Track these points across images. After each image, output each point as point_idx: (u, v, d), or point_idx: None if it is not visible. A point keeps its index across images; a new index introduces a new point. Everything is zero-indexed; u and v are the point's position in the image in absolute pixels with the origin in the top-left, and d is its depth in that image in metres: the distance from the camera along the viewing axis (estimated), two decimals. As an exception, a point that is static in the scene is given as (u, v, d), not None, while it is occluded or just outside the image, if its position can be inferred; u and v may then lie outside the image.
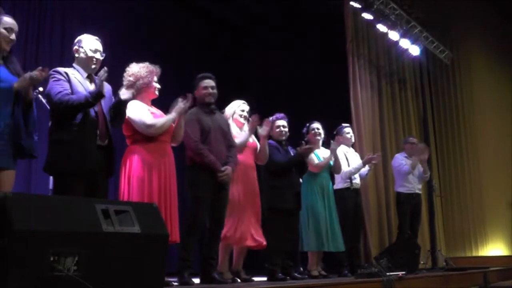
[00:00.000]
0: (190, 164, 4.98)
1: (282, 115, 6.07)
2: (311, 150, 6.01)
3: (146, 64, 4.72)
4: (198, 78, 5.19)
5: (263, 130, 5.51)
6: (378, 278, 4.89)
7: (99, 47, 4.32)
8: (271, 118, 5.92)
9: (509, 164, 11.28)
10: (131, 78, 4.51)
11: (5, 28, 3.80)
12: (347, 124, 7.24)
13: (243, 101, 5.77)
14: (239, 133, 5.57)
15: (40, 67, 3.74)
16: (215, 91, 5.16)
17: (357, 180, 6.90)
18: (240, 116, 5.66)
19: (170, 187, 4.62)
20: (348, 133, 7.03)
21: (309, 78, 10.04)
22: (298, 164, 5.94)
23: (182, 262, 4.77)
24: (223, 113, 5.54)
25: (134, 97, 4.40)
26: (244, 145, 5.48)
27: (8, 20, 3.83)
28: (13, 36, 3.86)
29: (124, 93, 4.23)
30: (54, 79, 4.03)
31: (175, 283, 4.63)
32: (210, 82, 5.14)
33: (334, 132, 6.94)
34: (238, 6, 9.71)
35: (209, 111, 5.14)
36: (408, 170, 7.59)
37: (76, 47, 4.30)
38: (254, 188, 5.55)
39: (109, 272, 2.83)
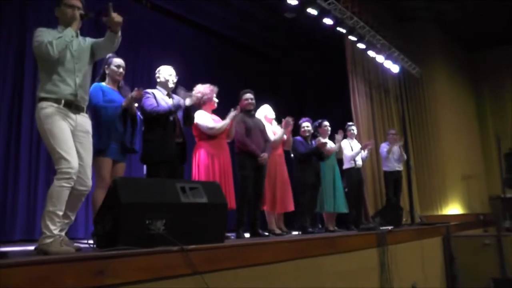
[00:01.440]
0: (238, 152, 4.97)
1: (307, 118, 6.09)
2: (324, 145, 5.93)
3: (208, 84, 4.78)
4: (242, 93, 5.19)
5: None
6: (374, 231, 4.82)
7: (173, 72, 4.35)
8: (300, 121, 5.98)
9: (462, 148, 11.15)
10: (198, 95, 4.57)
11: (116, 66, 3.87)
12: (352, 123, 7.22)
13: (269, 108, 5.77)
14: (273, 130, 5.57)
15: (136, 89, 3.79)
16: (253, 101, 5.14)
17: (359, 161, 6.88)
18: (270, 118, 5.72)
19: (227, 170, 4.70)
20: (352, 129, 7.00)
21: (321, 89, 10.00)
22: (317, 153, 5.88)
23: (238, 222, 4.75)
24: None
25: (197, 105, 4.48)
26: (279, 141, 5.51)
27: (117, 60, 3.97)
28: (121, 70, 3.94)
29: (187, 101, 4.24)
30: (145, 97, 4.10)
31: (232, 237, 4.62)
32: (250, 95, 5.13)
33: (345, 128, 6.90)
34: (265, 39, 9.71)
35: (250, 115, 5.12)
36: (385, 155, 7.64)
37: (157, 74, 4.40)
38: (284, 170, 5.56)
39: (187, 230, 2.82)
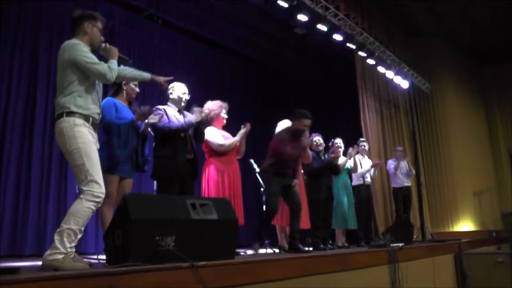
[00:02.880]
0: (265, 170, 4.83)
1: (318, 133, 6.02)
2: (336, 158, 5.91)
3: (217, 101, 4.78)
4: (298, 114, 4.87)
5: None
6: (385, 248, 4.77)
7: (186, 90, 4.36)
8: (311, 137, 5.85)
9: (473, 163, 11.05)
10: (206, 111, 4.56)
11: (134, 84, 3.90)
12: (364, 139, 7.23)
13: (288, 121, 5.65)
14: None
15: (154, 112, 3.87)
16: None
17: (368, 178, 6.87)
18: None
19: (237, 186, 4.67)
20: (364, 145, 7.02)
21: (332, 105, 10.04)
22: (330, 168, 5.84)
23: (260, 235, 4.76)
24: None
25: (206, 121, 4.48)
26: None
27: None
28: (137, 89, 3.99)
29: (196, 118, 4.22)
30: (157, 113, 4.09)
31: (243, 253, 4.60)
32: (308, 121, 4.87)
33: (357, 143, 6.91)
34: (279, 57, 9.77)
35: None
36: (393, 171, 7.64)
37: (170, 91, 4.39)
38: (301, 186, 5.47)
39: (197, 246, 2.82)
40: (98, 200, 2.72)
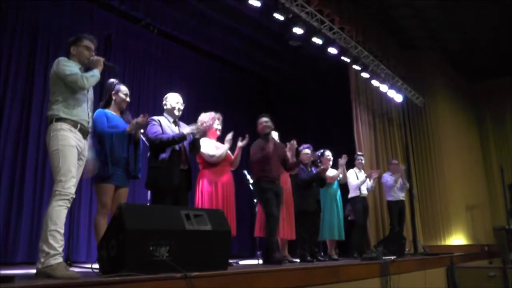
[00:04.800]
0: (257, 178, 4.96)
1: (307, 145, 6.04)
2: (325, 171, 5.94)
3: (210, 112, 4.81)
4: (259, 117, 5.21)
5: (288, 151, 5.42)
6: (377, 261, 4.81)
7: (180, 100, 4.38)
8: (300, 148, 5.91)
9: (465, 178, 11.13)
10: (198, 123, 4.57)
11: (124, 94, 3.95)
12: (362, 153, 7.30)
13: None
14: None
15: (142, 114, 3.86)
16: (269, 123, 5.14)
17: (364, 191, 6.94)
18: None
19: (230, 197, 4.67)
20: (361, 159, 7.13)
21: (325, 117, 10.05)
22: (318, 180, 5.88)
23: (271, 244, 4.72)
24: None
25: (203, 135, 4.50)
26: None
27: (124, 88, 4.04)
28: (128, 99, 4.03)
29: (189, 130, 4.23)
30: (151, 124, 4.15)
31: (235, 264, 4.61)
32: (265, 119, 5.16)
33: (354, 157, 7.05)
34: (274, 68, 9.84)
35: (268, 139, 5.10)
36: (392, 184, 7.66)
37: (164, 101, 4.41)
38: (289, 198, 5.50)
39: (191, 257, 2.85)
40: (66, 198, 2.83)
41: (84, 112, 3.09)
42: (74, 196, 2.91)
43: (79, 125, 3.02)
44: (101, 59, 3.22)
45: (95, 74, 3.13)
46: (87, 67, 3.20)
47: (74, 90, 3.03)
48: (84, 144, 3.10)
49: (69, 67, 3.02)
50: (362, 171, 7.13)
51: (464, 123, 12.09)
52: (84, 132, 3.09)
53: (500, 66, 11.50)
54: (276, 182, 4.95)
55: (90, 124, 3.19)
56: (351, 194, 6.82)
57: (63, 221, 2.81)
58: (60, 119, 2.96)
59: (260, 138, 5.10)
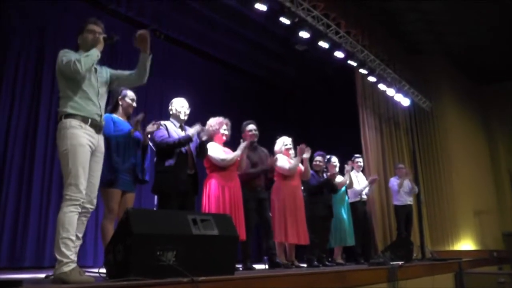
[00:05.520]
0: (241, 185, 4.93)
1: (321, 152, 6.11)
2: (334, 176, 5.97)
3: (218, 117, 4.83)
4: (244, 124, 5.25)
5: (305, 154, 5.45)
6: (385, 266, 4.80)
7: (186, 104, 4.41)
8: (314, 155, 5.99)
9: (473, 182, 11.06)
10: (206, 127, 4.60)
11: (131, 99, 3.97)
12: (359, 155, 7.26)
13: (286, 137, 5.72)
14: (289, 160, 5.53)
15: (153, 122, 3.90)
16: (256, 132, 5.18)
17: (364, 195, 6.94)
18: (287, 148, 5.61)
19: (237, 202, 4.67)
20: (359, 161, 7.07)
21: (331, 122, 10.05)
22: (328, 186, 5.90)
23: (244, 254, 4.75)
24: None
25: (210, 139, 4.52)
26: (295, 169, 5.43)
27: (130, 93, 4.07)
28: (134, 104, 4.06)
29: (203, 136, 4.34)
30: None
31: (240, 268, 4.61)
32: (253, 126, 5.20)
33: (352, 159, 6.96)
34: (280, 73, 9.86)
35: (253, 147, 5.17)
36: (397, 189, 7.63)
37: (170, 107, 4.46)
38: (300, 202, 5.47)
39: (197, 261, 2.85)
40: (76, 203, 2.73)
41: (94, 105, 2.92)
42: (83, 200, 2.79)
43: (89, 120, 2.85)
44: (99, 37, 3.00)
45: (90, 54, 2.89)
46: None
47: (76, 80, 2.85)
48: (98, 140, 2.94)
49: (64, 56, 2.85)
50: (361, 173, 7.12)
51: (471, 126, 12.04)
52: (96, 127, 2.91)
53: (507, 68, 11.45)
54: (258, 189, 4.98)
55: (103, 117, 3.01)
56: (352, 199, 6.80)
57: (74, 227, 2.72)
58: (68, 115, 2.80)
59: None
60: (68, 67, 2.80)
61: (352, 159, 7.01)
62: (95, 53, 2.93)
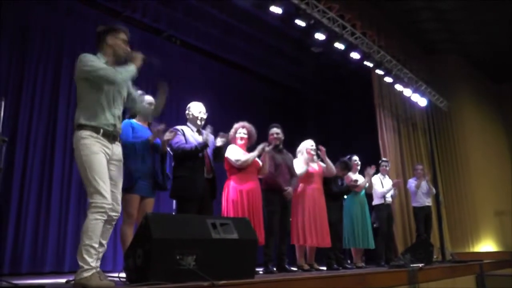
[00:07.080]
0: (265, 188, 4.92)
1: (341, 159, 6.15)
2: (355, 187, 6.07)
3: (240, 122, 4.83)
4: (270, 127, 5.27)
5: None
6: (405, 269, 4.72)
7: (203, 109, 4.41)
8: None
9: (493, 182, 10.89)
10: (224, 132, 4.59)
11: (148, 103, 3.95)
12: (386, 159, 7.24)
13: (310, 140, 5.68)
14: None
15: (170, 129, 3.91)
16: (279, 135, 5.19)
17: (389, 198, 6.86)
18: (311, 150, 5.55)
19: (257, 205, 4.64)
20: (386, 165, 7.09)
21: (349, 124, 10.02)
22: (347, 192, 6.02)
23: (265, 257, 4.71)
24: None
25: (228, 143, 4.53)
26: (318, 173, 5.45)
27: (148, 97, 4.03)
28: (152, 107, 4.02)
29: (218, 141, 4.32)
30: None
31: (261, 272, 4.59)
32: (276, 130, 5.21)
33: (379, 163, 6.99)
34: (296, 75, 9.84)
35: (278, 150, 5.16)
36: (415, 190, 7.58)
37: (187, 111, 4.45)
38: (322, 205, 5.43)
39: (217, 265, 2.85)
40: (101, 210, 2.73)
41: (108, 115, 2.89)
42: (109, 206, 2.78)
43: (101, 130, 2.84)
44: (142, 56, 3.04)
45: (131, 69, 2.95)
46: (119, 61, 3.01)
47: (100, 90, 2.85)
48: (113, 149, 2.93)
49: (91, 62, 2.84)
50: (387, 176, 7.05)
51: (490, 125, 11.86)
52: (109, 136, 2.90)
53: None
54: (283, 191, 4.91)
55: (118, 126, 2.99)
56: (375, 202, 6.75)
57: (98, 234, 2.73)
58: (80, 126, 2.82)
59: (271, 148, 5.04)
60: (101, 75, 2.82)
61: (379, 162, 7.03)
62: (134, 71, 2.99)
